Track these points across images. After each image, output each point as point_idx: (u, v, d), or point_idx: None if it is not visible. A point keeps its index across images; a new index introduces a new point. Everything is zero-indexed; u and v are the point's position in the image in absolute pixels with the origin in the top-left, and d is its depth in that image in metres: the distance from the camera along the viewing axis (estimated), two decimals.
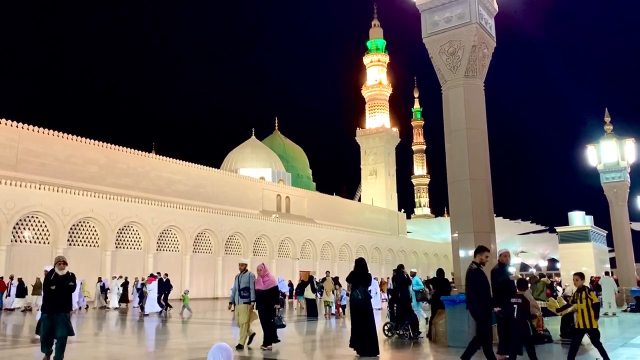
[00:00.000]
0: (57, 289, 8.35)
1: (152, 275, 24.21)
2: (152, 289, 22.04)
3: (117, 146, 39.10)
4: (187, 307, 22.45)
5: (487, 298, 7.89)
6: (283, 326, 10.51)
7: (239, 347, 10.46)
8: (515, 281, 8.89)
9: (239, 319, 10.69)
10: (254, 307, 10.68)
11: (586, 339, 11.35)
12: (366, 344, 9.31)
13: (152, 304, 21.86)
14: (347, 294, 22.10)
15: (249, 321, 10.55)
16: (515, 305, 7.89)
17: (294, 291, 29.33)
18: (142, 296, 23.03)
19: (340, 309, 20.74)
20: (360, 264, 10.03)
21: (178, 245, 38.19)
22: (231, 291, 11.24)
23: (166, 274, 24.97)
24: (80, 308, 24.32)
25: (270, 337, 10.42)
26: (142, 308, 22.63)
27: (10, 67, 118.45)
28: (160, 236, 36.91)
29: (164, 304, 22.56)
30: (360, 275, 9.90)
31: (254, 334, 10.76)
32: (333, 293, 20.43)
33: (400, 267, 13.42)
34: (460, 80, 11.65)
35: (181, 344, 12.58)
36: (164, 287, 23.35)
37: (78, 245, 32.17)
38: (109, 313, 23.37)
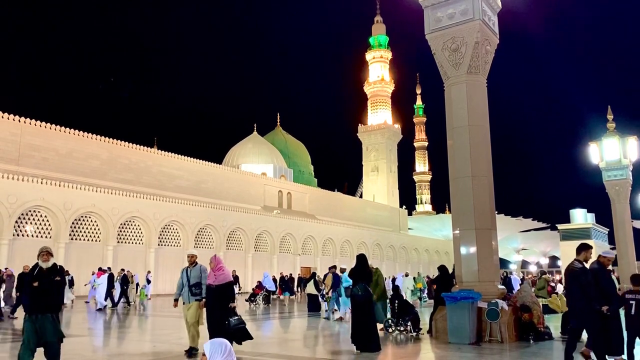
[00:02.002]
0: (41, 285, 7.04)
1: (100, 269, 23.56)
2: (101, 283, 21.51)
3: (119, 141, 39.14)
4: (142, 302, 22.51)
5: (595, 297, 7.53)
6: (243, 325, 8.85)
7: (191, 351, 9.18)
8: (630, 277, 8.57)
9: (187, 316, 9.35)
10: (204, 304, 9.26)
11: (586, 336, 11.39)
12: (367, 340, 9.33)
13: (99, 299, 21.31)
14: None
15: (198, 321, 9.33)
16: (632, 302, 7.60)
17: (280, 287, 28.87)
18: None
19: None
20: (361, 260, 10.05)
21: (180, 241, 38.25)
22: (177, 287, 9.78)
23: (123, 269, 24.69)
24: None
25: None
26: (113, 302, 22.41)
27: (12, 61, 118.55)
28: (162, 231, 36.97)
29: (115, 299, 22.00)
30: (360, 271, 9.92)
31: (193, 349, 9.21)
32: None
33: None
34: (462, 77, 11.64)
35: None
36: (123, 282, 23.23)
37: (80, 240, 32.23)
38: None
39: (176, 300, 9.73)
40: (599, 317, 7.52)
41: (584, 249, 8.06)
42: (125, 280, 23.78)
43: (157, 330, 15.22)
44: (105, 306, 21.29)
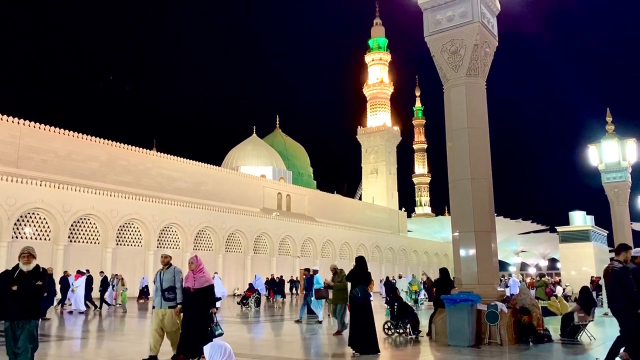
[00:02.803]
0: (21, 289, 6.52)
1: (79, 271, 22.97)
2: (79, 285, 21.06)
3: (118, 143, 39.12)
4: (124, 305, 22.39)
5: (637, 299, 7.18)
6: (221, 334, 8.10)
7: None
8: None
9: (164, 325, 8.36)
10: (180, 311, 8.38)
11: (586, 338, 11.39)
12: (366, 342, 9.31)
13: (77, 302, 20.77)
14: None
15: (178, 329, 8.34)
16: None
17: (271, 289, 28.45)
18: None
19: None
20: (360, 262, 10.04)
21: (179, 243, 38.21)
22: (154, 291, 8.78)
23: (102, 272, 24.53)
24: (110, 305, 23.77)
25: (195, 350, 7.84)
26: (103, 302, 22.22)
27: (11, 63, 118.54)
28: (161, 233, 36.93)
29: (92, 302, 21.70)
30: (359, 273, 9.90)
31: (153, 356, 8.35)
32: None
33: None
34: (462, 79, 11.65)
35: None
36: (104, 284, 23.00)
37: (79, 242, 32.19)
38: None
39: (153, 307, 8.83)
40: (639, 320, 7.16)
41: (623, 249, 7.74)
42: (105, 283, 23.39)
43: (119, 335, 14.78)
44: (86, 310, 20.79)
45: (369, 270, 10.07)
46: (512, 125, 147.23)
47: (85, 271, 22.65)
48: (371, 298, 10.18)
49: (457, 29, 11.62)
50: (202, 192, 44.52)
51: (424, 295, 27.85)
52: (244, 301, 23.75)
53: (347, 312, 12.78)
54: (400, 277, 32.20)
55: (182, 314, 8.34)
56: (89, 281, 21.66)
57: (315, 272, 17.28)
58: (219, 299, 22.08)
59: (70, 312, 20.21)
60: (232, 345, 4.02)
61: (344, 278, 13.03)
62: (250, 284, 25.53)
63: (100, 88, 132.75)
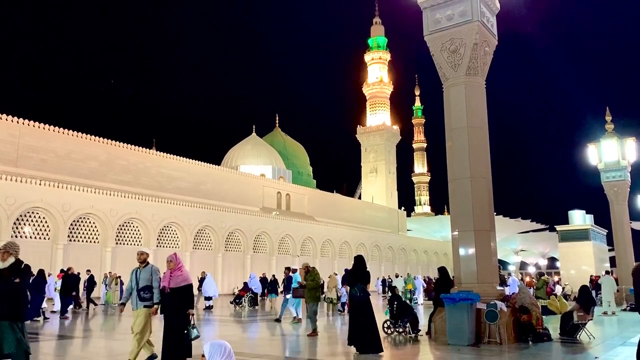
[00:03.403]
0: None
1: (62, 271, 22.50)
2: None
3: (117, 142, 39.10)
4: (111, 304, 22.13)
5: None
6: (197, 337, 7.62)
7: None
8: None
9: (134, 327, 7.92)
10: (157, 311, 7.98)
11: (585, 337, 11.40)
12: (368, 342, 9.28)
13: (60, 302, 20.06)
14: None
15: (144, 331, 7.90)
16: None
17: (267, 289, 28.27)
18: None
19: (342, 306, 20.76)
20: (359, 261, 10.02)
21: (178, 242, 38.21)
22: (125, 290, 8.34)
23: (88, 270, 24.06)
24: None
25: (180, 355, 7.55)
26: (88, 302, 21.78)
27: (11, 63, 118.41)
28: (161, 232, 36.93)
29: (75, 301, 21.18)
30: (358, 272, 9.88)
31: (154, 356, 7.99)
32: (336, 289, 20.43)
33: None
34: (461, 78, 11.64)
35: None
36: (90, 283, 22.64)
37: (78, 241, 32.18)
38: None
39: (122, 304, 8.40)
40: None
41: None
42: (91, 282, 23.01)
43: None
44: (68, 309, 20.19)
45: (367, 269, 10.05)
46: (511, 124, 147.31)
47: (66, 270, 21.86)
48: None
49: (456, 28, 11.61)
50: (201, 192, 44.51)
51: (423, 295, 27.86)
52: (237, 300, 23.47)
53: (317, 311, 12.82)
54: (397, 276, 32.18)
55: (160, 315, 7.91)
56: (75, 281, 21.01)
57: (294, 271, 17.24)
58: (211, 298, 22.18)
59: (53, 312, 19.72)
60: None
61: (317, 277, 13.10)
62: (245, 283, 25.42)
63: (101, 91, 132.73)
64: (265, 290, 27.32)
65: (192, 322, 7.63)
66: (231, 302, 23.81)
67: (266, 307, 24.42)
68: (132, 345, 7.85)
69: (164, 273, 8.01)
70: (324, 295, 24.37)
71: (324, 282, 21.58)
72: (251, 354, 9.86)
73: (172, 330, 7.59)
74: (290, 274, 17.50)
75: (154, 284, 7.99)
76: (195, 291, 22.64)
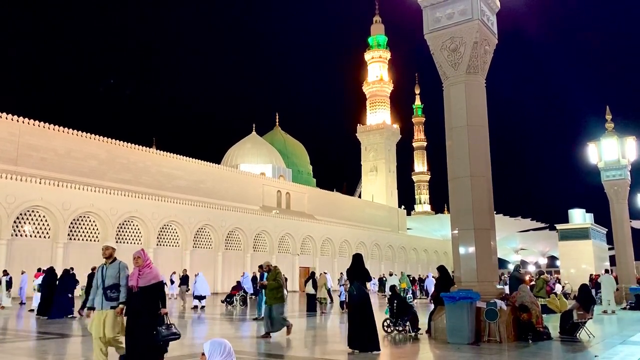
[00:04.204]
0: None
1: (40, 269, 22.21)
2: (40, 284, 19.84)
3: (117, 141, 39.09)
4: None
5: None
6: (176, 337, 7.21)
7: None
8: None
9: (101, 330, 7.19)
10: (123, 312, 7.30)
11: (585, 336, 11.41)
12: (367, 340, 9.27)
13: (37, 301, 19.49)
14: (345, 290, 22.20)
15: (120, 332, 7.30)
16: None
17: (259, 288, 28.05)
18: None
19: (341, 304, 20.80)
20: (357, 259, 9.99)
21: (178, 241, 38.22)
22: (92, 290, 7.56)
23: (71, 268, 23.39)
24: None
25: (152, 356, 7.06)
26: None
27: (12, 61, 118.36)
28: (161, 231, 36.94)
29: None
30: (356, 270, 9.85)
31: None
32: (325, 288, 20.42)
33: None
34: (461, 77, 11.64)
35: None
36: (70, 282, 22.31)
37: (78, 240, 32.20)
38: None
39: (89, 308, 7.44)
40: None
41: None
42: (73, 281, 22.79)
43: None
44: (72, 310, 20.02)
45: (366, 268, 10.02)
46: (511, 123, 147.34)
47: (47, 269, 21.32)
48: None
49: (456, 27, 11.61)
50: (201, 190, 44.52)
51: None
52: (229, 299, 23.28)
53: (286, 313, 12.07)
54: (390, 274, 32.20)
55: (125, 317, 7.31)
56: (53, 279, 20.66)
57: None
58: (204, 297, 22.08)
59: (32, 310, 19.42)
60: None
61: (278, 276, 12.30)
62: (238, 282, 25.32)
63: (100, 91, 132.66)
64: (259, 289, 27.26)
65: (167, 322, 7.17)
66: (222, 301, 23.69)
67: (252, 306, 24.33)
68: (97, 352, 7.15)
69: (132, 271, 7.44)
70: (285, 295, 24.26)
71: (287, 279, 21.30)
72: (250, 352, 9.87)
73: (138, 332, 6.99)
74: (264, 271, 17.32)
75: (121, 282, 7.34)
76: (172, 290, 22.35)
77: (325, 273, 22.60)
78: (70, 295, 17.50)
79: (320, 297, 19.98)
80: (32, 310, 19.32)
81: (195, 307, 21.26)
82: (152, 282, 7.28)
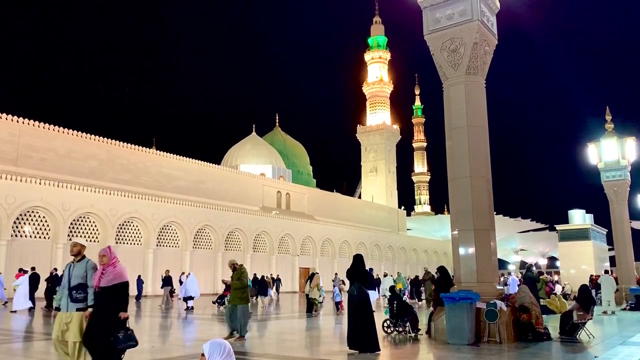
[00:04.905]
0: None
1: (21, 270, 22.11)
2: (20, 284, 20.07)
3: (117, 141, 39.10)
4: None
5: None
6: (133, 344, 6.68)
7: None
8: None
9: (65, 335, 6.61)
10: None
11: (585, 337, 11.41)
12: (366, 340, 9.26)
13: (20, 300, 19.65)
14: (340, 290, 22.17)
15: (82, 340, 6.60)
16: None
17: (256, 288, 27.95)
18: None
19: (336, 305, 20.76)
20: (357, 260, 9.97)
21: (178, 241, 38.22)
22: (59, 290, 7.05)
23: (55, 269, 23.35)
24: None
25: None
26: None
27: (12, 61, 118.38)
28: (161, 232, 36.93)
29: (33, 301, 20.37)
30: (356, 271, 9.83)
31: None
32: (319, 289, 20.39)
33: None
34: (461, 78, 11.64)
35: None
36: (54, 282, 21.71)
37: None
38: None
39: (56, 309, 6.98)
40: None
41: None
42: (53, 280, 21.88)
43: None
44: (32, 308, 20.04)
45: (366, 269, 10.01)
46: (511, 123, 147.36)
47: (30, 269, 21.64)
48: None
49: (456, 27, 11.61)
50: (201, 191, 44.52)
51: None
52: (220, 300, 22.90)
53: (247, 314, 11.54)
54: (385, 275, 32.13)
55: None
56: (36, 279, 20.68)
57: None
58: (192, 298, 21.97)
59: (14, 311, 19.24)
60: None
61: (243, 275, 11.71)
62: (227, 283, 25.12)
63: (100, 90, 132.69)
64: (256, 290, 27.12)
65: (127, 327, 6.65)
66: (214, 302, 23.57)
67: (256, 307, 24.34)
68: (71, 356, 6.54)
69: (97, 270, 6.83)
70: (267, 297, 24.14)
71: (278, 279, 20.73)
72: (250, 352, 9.87)
73: (96, 335, 6.47)
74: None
75: (88, 282, 6.76)
76: (181, 292, 22.27)
77: (317, 273, 22.52)
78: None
79: (312, 298, 19.89)
80: (14, 312, 19.24)
81: (188, 308, 21.24)
82: (114, 283, 6.68)
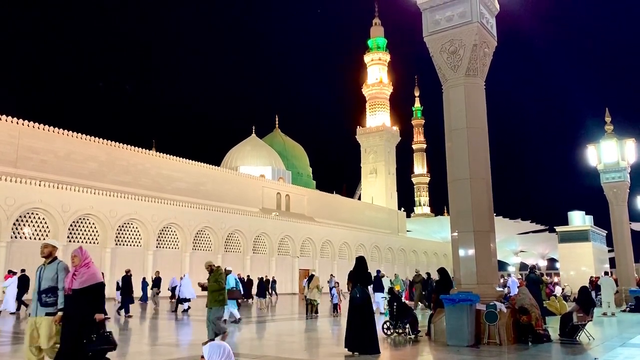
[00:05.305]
0: None
1: (10, 271, 21.78)
2: (8, 285, 19.93)
3: (117, 143, 39.10)
4: None
5: None
6: (110, 348, 6.39)
7: None
8: None
9: (36, 341, 6.34)
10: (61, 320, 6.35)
11: (585, 338, 11.40)
12: (368, 342, 9.25)
13: (10, 302, 19.60)
14: (338, 292, 22.09)
15: (58, 343, 6.30)
16: None
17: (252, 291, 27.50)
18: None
19: (333, 307, 20.69)
20: (359, 262, 9.96)
21: (178, 243, 38.20)
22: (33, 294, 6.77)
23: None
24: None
25: None
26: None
27: (11, 63, 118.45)
28: (160, 233, 36.92)
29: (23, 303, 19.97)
30: (359, 273, 9.81)
31: None
32: (319, 290, 20.34)
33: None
34: (461, 79, 11.65)
35: None
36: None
37: (78, 242, 32.15)
38: None
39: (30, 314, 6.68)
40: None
41: None
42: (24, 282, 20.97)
43: None
44: (17, 311, 19.83)
45: (369, 271, 9.98)
46: (511, 125, 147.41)
47: (19, 271, 21.26)
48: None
49: (456, 29, 11.62)
50: (201, 192, 44.51)
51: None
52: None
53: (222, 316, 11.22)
54: (382, 276, 31.96)
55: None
56: (24, 281, 20.34)
57: (229, 272, 17.01)
58: (188, 300, 21.81)
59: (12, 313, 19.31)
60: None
61: (220, 277, 11.48)
62: None
63: (100, 87, 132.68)
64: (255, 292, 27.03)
65: (105, 331, 6.34)
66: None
67: (251, 309, 24.35)
68: None
69: (70, 271, 6.51)
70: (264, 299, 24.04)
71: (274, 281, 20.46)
72: (249, 354, 9.86)
73: (70, 340, 6.11)
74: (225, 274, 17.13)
75: (59, 285, 6.42)
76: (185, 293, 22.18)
77: (315, 274, 22.49)
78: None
79: (310, 299, 19.82)
80: (12, 313, 19.21)
81: (184, 310, 21.21)
82: (88, 284, 6.32)
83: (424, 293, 22.77)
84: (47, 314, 6.31)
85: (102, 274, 24.60)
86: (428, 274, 25.27)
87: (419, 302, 22.95)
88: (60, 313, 6.30)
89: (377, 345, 9.34)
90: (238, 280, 19.89)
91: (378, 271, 23.09)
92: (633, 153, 25.16)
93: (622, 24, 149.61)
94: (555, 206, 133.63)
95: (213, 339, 10.83)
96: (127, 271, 20.63)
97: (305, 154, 75.49)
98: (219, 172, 48.69)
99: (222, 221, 41.15)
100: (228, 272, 16.82)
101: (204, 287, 11.68)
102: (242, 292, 24.02)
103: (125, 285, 19.73)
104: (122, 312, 18.91)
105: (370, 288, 11.43)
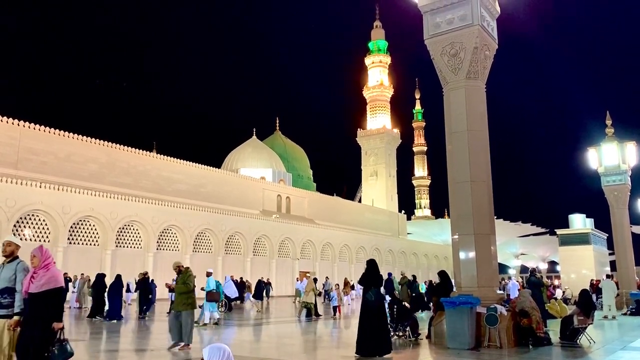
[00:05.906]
0: None
1: None
2: None
3: (118, 145, 39.11)
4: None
5: None
6: (69, 356, 5.77)
7: None
8: None
9: None
10: (18, 324, 5.82)
11: (585, 341, 11.38)
12: (384, 343, 9.26)
13: None
14: (338, 295, 22.05)
15: (13, 350, 5.82)
16: None
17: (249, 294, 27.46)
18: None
19: (333, 310, 20.65)
20: (371, 265, 9.91)
21: (178, 245, 38.18)
22: None
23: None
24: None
25: None
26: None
27: (11, 63, 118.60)
28: (161, 235, 36.90)
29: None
30: (372, 276, 9.77)
31: None
32: (315, 292, 20.31)
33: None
34: (461, 82, 11.66)
35: None
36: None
37: (78, 244, 32.16)
38: None
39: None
40: None
41: None
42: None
43: None
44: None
45: (380, 273, 9.95)
46: (512, 127, 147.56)
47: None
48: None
49: (456, 32, 11.64)
50: (201, 194, 44.50)
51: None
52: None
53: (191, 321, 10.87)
54: (209, 274, 31.64)
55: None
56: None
57: (209, 274, 16.95)
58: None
59: None
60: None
61: (189, 279, 11.02)
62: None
63: (97, 85, 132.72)
64: (252, 295, 26.96)
65: (61, 338, 5.73)
66: (201, 306, 23.18)
67: (246, 311, 24.27)
68: None
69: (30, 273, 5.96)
70: (260, 301, 24.02)
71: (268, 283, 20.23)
72: (250, 357, 9.84)
73: (27, 349, 5.58)
74: (206, 277, 17.06)
75: (17, 286, 5.92)
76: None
77: (310, 276, 22.46)
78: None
79: (307, 302, 19.71)
80: None
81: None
82: (46, 288, 5.72)
83: (414, 295, 22.74)
84: (1, 317, 5.86)
85: (86, 275, 24.84)
86: (414, 276, 25.46)
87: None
88: (16, 317, 5.83)
89: (389, 345, 9.45)
90: (219, 282, 19.94)
91: (390, 274, 23.11)
92: (634, 156, 25.16)
93: (622, 25, 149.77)
94: (555, 209, 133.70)
95: (177, 343, 10.61)
96: (145, 273, 21.29)
97: (305, 156, 75.51)
98: (220, 174, 48.68)
99: (223, 223, 41.13)
100: (209, 274, 16.83)
101: (171, 289, 11.03)
102: (235, 295, 23.73)
103: (143, 287, 20.39)
104: (145, 311, 19.82)
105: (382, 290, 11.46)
